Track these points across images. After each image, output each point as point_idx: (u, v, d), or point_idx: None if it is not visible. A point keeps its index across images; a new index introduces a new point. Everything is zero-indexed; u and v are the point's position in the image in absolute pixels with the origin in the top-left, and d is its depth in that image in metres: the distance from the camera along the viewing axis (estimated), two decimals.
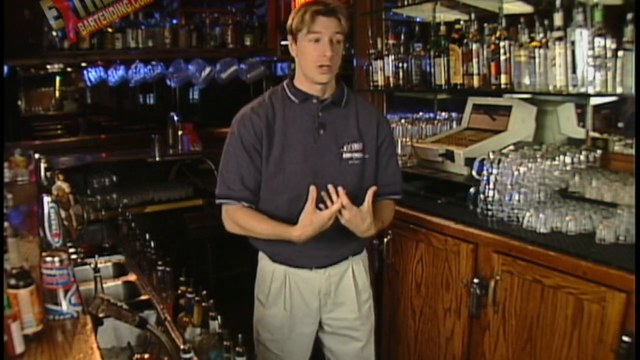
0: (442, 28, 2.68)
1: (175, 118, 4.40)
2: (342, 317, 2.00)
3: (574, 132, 2.51)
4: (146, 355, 1.71)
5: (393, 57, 2.94)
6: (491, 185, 2.13)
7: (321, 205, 1.75)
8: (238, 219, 1.87)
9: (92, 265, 2.16)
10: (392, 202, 2.01)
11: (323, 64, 1.77)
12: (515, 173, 2.09)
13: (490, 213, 2.13)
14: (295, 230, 1.76)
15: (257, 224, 1.85)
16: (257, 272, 2.02)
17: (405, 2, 2.93)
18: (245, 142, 1.84)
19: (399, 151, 2.82)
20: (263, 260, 1.99)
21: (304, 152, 1.83)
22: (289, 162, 1.83)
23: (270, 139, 1.84)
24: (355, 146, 1.88)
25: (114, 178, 4.10)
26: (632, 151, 2.18)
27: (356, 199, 1.77)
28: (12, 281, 1.26)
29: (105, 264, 2.53)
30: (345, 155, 1.86)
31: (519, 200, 2.07)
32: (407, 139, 2.88)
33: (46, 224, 1.91)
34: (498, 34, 2.30)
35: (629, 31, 1.89)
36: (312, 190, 1.73)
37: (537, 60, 2.12)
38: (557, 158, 2.16)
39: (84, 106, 9.59)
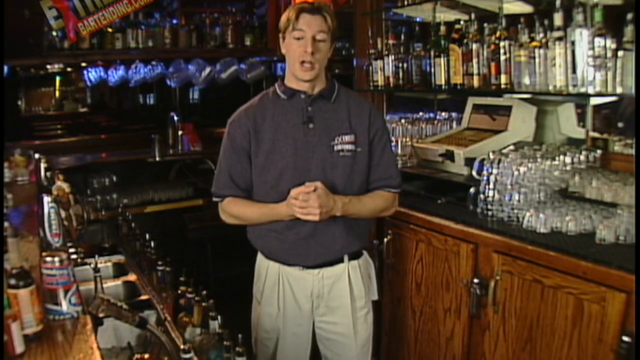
0: (442, 28, 2.68)
1: (175, 118, 4.40)
2: (335, 322, 2.00)
3: (574, 132, 2.51)
4: (146, 355, 1.71)
5: (393, 57, 2.93)
6: (491, 185, 2.13)
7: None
8: (230, 209, 1.96)
9: (92, 265, 2.16)
10: (387, 193, 1.96)
11: (304, 60, 1.80)
12: (515, 173, 2.09)
13: (490, 213, 2.13)
14: (282, 206, 1.83)
15: (247, 209, 1.93)
16: (254, 270, 2.06)
17: (405, 2, 2.93)
18: (234, 142, 1.92)
19: (399, 151, 2.82)
20: (259, 258, 2.03)
21: (294, 146, 1.86)
22: (280, 157, 1.86)
23: (259, 136, 1.88)
24: (347, 138, 1.89)
25: (114, 178, 4.09)
26: (632, 151, 2.17)
27: (345, 192, 1.85)
28: (12, 281, 1.26)
29: (105, 264, 2.52)
30: (337, 148, 1.88)
31: (519, 200, 2.07)
32: (407, 139, 2.88)
33: (46, 224, 1.91)
34: (498, 34, 2.30)
35: (629, 31, 1.88)
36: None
37: (537, 60, 2.12)
38: (557, 158, 2.16)
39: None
